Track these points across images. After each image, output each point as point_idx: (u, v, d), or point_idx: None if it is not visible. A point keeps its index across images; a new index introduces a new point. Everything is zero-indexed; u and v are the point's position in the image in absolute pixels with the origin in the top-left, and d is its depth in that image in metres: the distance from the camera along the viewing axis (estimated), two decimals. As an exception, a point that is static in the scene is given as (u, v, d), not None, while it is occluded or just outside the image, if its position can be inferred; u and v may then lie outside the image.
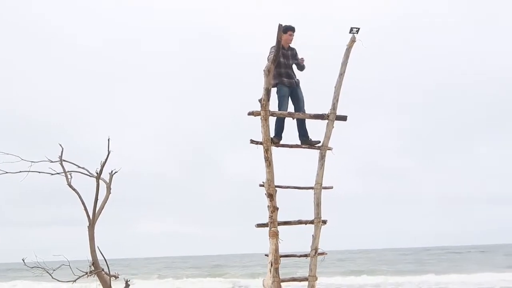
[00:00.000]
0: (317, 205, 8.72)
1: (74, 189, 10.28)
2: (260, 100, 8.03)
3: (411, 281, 34.32)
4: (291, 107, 8.91)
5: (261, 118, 8.13)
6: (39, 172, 10.79)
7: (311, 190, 8.76)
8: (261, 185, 8.54)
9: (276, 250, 8.46)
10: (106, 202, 10.44)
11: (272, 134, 8.47)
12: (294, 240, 9.51)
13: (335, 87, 8.65)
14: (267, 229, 8.59)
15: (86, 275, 10.02)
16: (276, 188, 8.44)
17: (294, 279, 9.06)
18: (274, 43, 7.91)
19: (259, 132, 8.25)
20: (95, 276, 10.23)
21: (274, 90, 8.71)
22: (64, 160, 10.84)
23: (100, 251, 10.01)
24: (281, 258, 8.60)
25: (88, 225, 10.15)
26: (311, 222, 8.73)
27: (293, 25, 8.78)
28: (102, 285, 10.14)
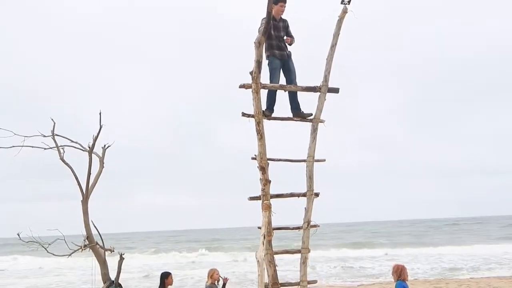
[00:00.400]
0: (310, 177, 8.71)
1: (67, 164, 10.27)
2: (251, 73, 7.95)
3: (410, 253, 34.70)
4: (282, 80, 8.82)
5: (252, 91, 8.07)
6: (32, 147, 10.76)
7: (303, 163, 8.75)
8: (253, 158, 8.51)
9: (269, 222, 8.46)
10: (99, 176, 10.46)
11: (264, 107, 8.42)
12: (287, 213, 9.55)
13: (326, 59, 8.57)
14: (260, 202, 8.59)
15: (81, 249, 10.07)
16: (268, 161, 8.42)
17: (287, 251, 9.12)
18: (265, 14, 7.78)
19: (251, 105, 8.19)
20: (90, 249, 10.29)
21: (265, 63, 8.62)
22: (57, 135, 10.83)
23: (94, 225, 10.06)
24: (274, 231, 8.63)
25: (81, 199, 10.17)
26: (304, 194, 8.74)
27: None
28: (97, 258, 10.22)
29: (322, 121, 8.73)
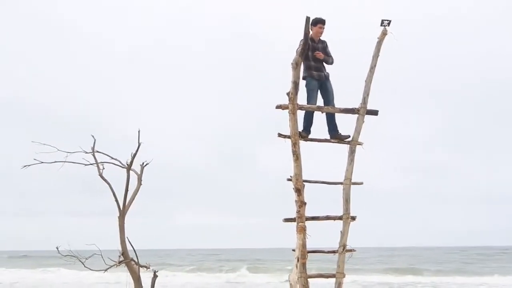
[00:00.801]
0: (346, 200, 8.57)
1: (105, 180, 10.45)
2: (288, 94, 7.93)
3: (457, 282, 33.48)
4: (320, 101, 8.75)
5: (288, 112, 8.02)
6: (73, 163, 11.00)
7: (340, 185, 8.62)
8: (288, 179, 8.44)
9: (303, 245, 8.34)
10: (137, 193, 10.58)
11: (300, 128, 8.36)
12: (322, 236, 9.39)
13: (365, 81, 8.46)
14: (295, 223, 8.49)
15: (116, 265, 10.17)
16: (304, 183, 8.32)
17: (321, 275, 8.92)
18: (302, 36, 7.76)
19: (288, 126, 8.15)
20: (125, 266, 10.38)
21: (303, 84, 8.59)
22: (97, 151, 11.04)
23: (129, 241, 10.16)
24: (308, 254, 8.49)
25: (118, 215, 10.30)
26: (340, 218, 8.60)
27: (323, 18, 8.62)
28: (131, 275, 10.29)
29: (360, 144, 8.60)
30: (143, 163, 10.78)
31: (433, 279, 36.00)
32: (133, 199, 10.46)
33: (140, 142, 10.49)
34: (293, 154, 8.20)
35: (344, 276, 8.59)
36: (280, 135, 8.29)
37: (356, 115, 8.56)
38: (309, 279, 8.42)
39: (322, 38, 8.81)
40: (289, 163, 8.46)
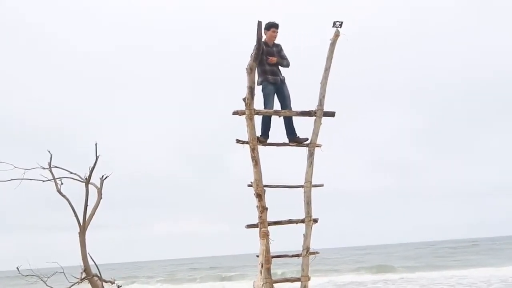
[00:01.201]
0: (307, 203, 8.55)
1: (63, 196, 10.25)
2: (244, 99, 7.89)
3: (428, 277, 33.87)
4: (277, 105, 8.74)
5: (246, 118, 8.00)
6: (31, 180, 10.76)
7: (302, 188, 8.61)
8: (249, 185, 8.39)
9: (267, 250, 8.30)
10: (97, 207, 10.39)
11: (258, 133, 8.33)
12: (286, 240, 9.37)
13: (321, 82, 8.48)
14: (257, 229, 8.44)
15: (78, 282, 9.96)
16: (265, 188, 8.29)
17: (286, 280, 8.90)
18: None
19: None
20: (89, 282, 10.17)
21: (259, 88, 8.56)
22: (56, 166, 10.83)
23: (91, 257, 9.98)
24: (273, 259, 8.45)
25: (78, 231, 10.09)
26: (302, 221, 8.57)
27: (277, 22, 8.62)
28: (95, 291, 10.08)
29: (318, 146, 8.60)
30: (102, 176, 10.59)
31: (404, 275, 36.43)
32: (94, 213, 10.27)
33: (97, 155, 10.32)
34: (252, 160, 8.17)
35: (309, 279, 8.56)
36: (238, 141, 8.24)
37: (314, 118, 8.57)
38: (274, 284, 8.39)
39: (276, 42, 8.80)
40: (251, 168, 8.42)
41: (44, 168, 10.80)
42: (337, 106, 8.65)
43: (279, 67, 8.82)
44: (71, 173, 10.85)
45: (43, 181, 10.66)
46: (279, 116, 8.66)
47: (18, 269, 10.48)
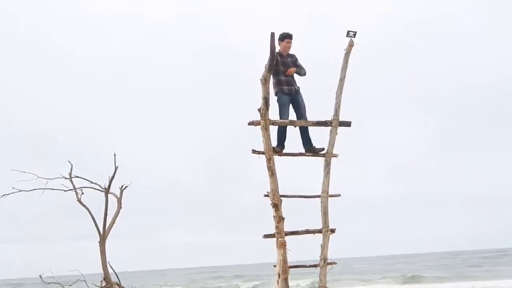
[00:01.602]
0: (324, 213, 8.55)
1: (83, 205, 10.41)
2: (259, 110, 7.93)
3: (458, 287, 33.25)
4: (292, 115, 8.75)
5: (261, 128, 8.03)
6: (53, 189, 10.95)
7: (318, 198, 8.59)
8: (265, 195, 8.41)
9: (284, 260, 8.30)
10: (117, 216, 10.53)
11: (274, 143, 8.35)
12: (303, 250, 9.35)
13: (336, 92, 8.48)
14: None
15: (99, 290, 10.10)
16: (281, 198, 8.30)
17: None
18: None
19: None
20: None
21: (275, 99, 8.59)
22: (77, 176, 11.01)
23: (110, 265, 10.09)
24: (290, 269, 8.44)
25: (98, 240, 10.23)
26: (319, 231, 8.56)
27: (290, 33, 8.65)
28: (114, 299, 10.20)
29: (335, 155, 8.59)
30: (122, 186, 10.73)
31: (433, 285, 35.82)
32: (114, 222, 10.40)
33: (116, 165, 10.46)
34: (268, 170, 8.19)
35: (326, 289, 8.53)
36: (254, 151, 8.28)
37: (329, 127, 8.56)
38: (291, 294, 8.39)
39: (291, 52, 8.83)
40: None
41: (66, 178, 10.98)
42: (352, 115, 8.65)
43: (294, 76, 8.84)
44: (92, 182, 11.02)
45: (65, 190, 10.84)
46: (295, 126, 8.67)
47: (41, 277, 10.67)
